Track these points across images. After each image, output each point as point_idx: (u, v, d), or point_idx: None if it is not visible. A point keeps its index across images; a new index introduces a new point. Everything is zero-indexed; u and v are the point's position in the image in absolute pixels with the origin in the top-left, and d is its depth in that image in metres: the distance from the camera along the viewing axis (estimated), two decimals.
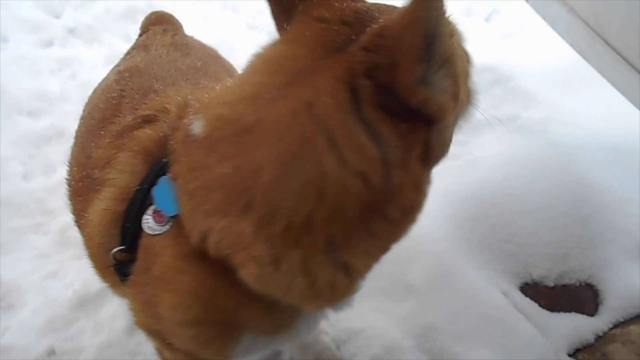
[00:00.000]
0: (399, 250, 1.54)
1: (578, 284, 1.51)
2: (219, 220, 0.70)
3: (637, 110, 1.48)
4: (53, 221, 1.81)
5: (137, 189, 0.84)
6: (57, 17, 2.63)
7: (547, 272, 1.51)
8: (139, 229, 0.82)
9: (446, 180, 1.65)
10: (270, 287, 0.73)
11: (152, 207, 0.81)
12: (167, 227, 0.80)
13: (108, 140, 0.96)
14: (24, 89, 2.21)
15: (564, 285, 1.51)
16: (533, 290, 1.50)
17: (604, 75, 1.60)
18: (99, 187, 0.91)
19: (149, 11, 2.67)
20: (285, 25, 0.77)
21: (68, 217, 1.79)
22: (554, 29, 1.82)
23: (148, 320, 0.88)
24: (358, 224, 0.70)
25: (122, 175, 0.88)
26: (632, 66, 1.47)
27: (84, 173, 1.01)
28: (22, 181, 1.93)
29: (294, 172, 0.66)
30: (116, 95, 1.09)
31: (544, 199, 1.53)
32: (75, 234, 1.76)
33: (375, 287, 1.49)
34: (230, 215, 0.70)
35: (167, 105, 0.91)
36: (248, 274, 0.72)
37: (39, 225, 1.81)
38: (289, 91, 0.68)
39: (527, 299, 1.48)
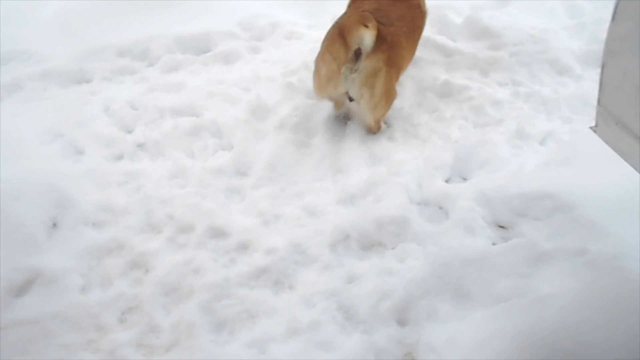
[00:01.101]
0: None
1: None
2: None
3: None
4: (104, 338, 1.81)
5: None
6: (130, 132, 2.82)
7: None
8: None
9: (514, 320, 1.55)
10: None
11: None
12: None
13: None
14: (92, 200, 2.32)
15: None
16: None
17: None
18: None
19: (213, 129, 2.87)
20: None
21: (119, 335, 1.80)
22: (626, 160, 1.76)
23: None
24: None
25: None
26: None
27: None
28: (80, 294, 1.96)
29: None
30: None
31: (627, 351, 1.40)
32: (125, 351, 1.75)
33: None
34: None
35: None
36: None
37: (90, 341, 1.80)
38: None
39: None
